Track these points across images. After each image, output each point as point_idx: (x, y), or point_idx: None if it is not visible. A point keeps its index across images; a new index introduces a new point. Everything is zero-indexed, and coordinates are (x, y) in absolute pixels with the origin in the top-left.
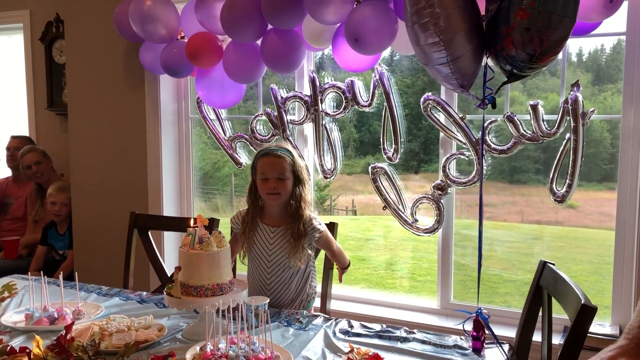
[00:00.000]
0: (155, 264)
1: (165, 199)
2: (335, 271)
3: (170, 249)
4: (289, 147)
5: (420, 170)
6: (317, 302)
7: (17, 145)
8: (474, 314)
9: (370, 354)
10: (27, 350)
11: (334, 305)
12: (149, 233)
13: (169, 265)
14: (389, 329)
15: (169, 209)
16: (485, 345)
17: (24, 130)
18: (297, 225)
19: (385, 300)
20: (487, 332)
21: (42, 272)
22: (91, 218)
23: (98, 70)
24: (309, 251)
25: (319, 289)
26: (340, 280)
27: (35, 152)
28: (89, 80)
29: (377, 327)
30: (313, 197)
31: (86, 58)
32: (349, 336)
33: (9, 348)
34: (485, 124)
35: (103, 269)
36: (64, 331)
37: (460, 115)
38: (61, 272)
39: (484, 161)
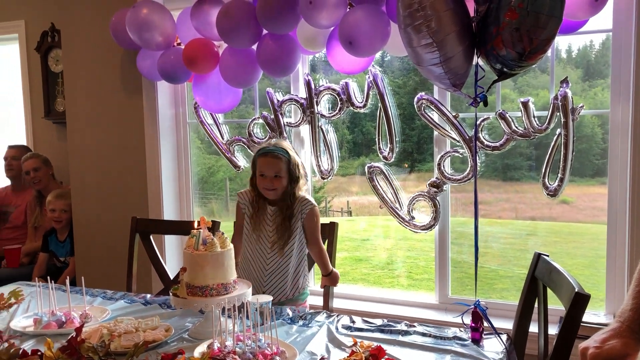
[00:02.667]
0: (157, 267)
1: (165, 203)
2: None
3: (171, 252)
4: (286, 146)
5: (414, 169)
6: (319, 301)
7: (14, 155)
8: (472, 306)
9: (373, 346)
10: (39, 353)
11: (335, 303)
12: (151, 237)
13: (171, 268)
14: (390, 323)
15: (168, 213)
16: (483, 336)
17: (22, 140)
18: (286, 212)
19: (385, 297)
20: (485, 323)
21: (48, 277)
22: (92, 224)
23: (95, 78)
24: (298, 235)
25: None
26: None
27: (36, 159)
28: (86, 88)
29: (378, 321)
30: (310, 187)
31: (83, 66)
32: (351, 331)
33: (21, 351)
34: (478, 122)
35: (105, 274)
36: (75, 333)
37: (454, 114)
38: (67, 277)
39: (477, 158)
